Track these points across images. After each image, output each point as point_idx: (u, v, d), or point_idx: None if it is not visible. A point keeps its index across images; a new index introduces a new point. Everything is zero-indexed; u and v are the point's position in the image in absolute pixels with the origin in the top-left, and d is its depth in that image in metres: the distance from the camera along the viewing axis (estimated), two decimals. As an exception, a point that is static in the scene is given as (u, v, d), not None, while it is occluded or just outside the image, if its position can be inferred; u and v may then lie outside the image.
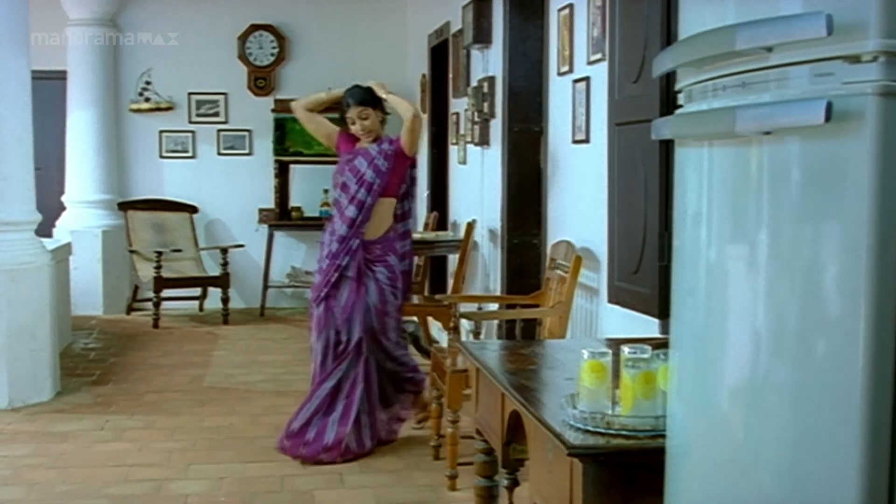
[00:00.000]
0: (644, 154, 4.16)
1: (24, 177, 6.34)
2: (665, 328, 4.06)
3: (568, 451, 2.17)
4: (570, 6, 5.19)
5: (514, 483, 3.06)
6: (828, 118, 1.39)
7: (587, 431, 2.26)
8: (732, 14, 1.76)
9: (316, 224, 9.80)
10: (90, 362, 7.45)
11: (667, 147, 4.04)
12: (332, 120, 5.55)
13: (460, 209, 8.00)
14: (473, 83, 7.23)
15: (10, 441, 5.43)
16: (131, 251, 9.42)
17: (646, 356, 2.30)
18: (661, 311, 4.07)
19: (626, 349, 2.33)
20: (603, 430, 2.25)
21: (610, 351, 2.37)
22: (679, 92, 1.94)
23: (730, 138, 1.67)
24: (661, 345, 2.52)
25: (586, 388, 2.33)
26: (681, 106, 1.95)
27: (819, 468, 1.56)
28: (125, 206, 9.66)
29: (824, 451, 1.54)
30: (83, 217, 9.51)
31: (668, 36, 4.01)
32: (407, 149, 5.30)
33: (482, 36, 6.90)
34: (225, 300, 9.23)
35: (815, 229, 1.56)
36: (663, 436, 2.21)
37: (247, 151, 10.16)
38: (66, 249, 7.88)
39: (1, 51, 6.15)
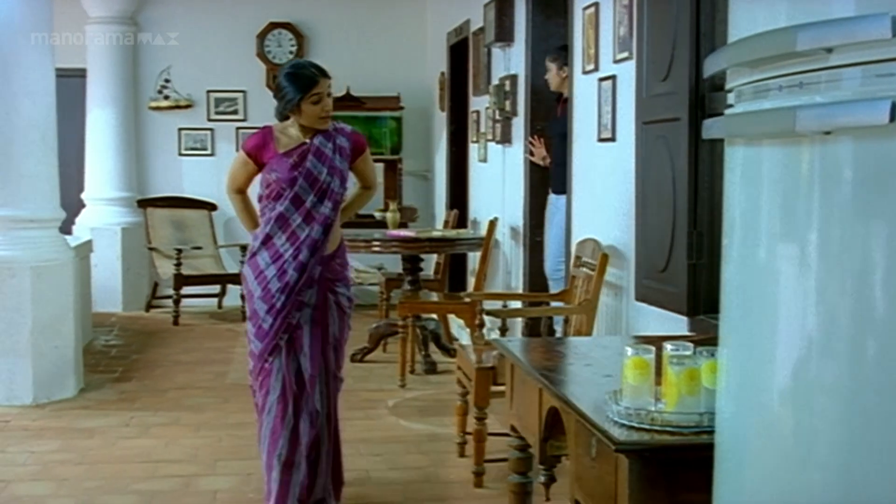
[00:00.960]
0: (673, 152, 4.17)
1: (49, 174, 6.38)
2: (694, 326, 4.07)
3: (615, 447, 2.19)
4: (596, 5, 5.20)
5: (550, 479, 3.07)
6: (892, 118, 1.41)
7: (631, 427, 2.27)
8: (784, 16, 1.78)
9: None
10: (112, 359, 7.49)
11: (696, 146, 4.05)
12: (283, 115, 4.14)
13: (480, 207, 8.01)
14: (495, 81, 7.25)
15: (37, 437, 5.47)
16: (151, 248, 9.46)
17: (689, 353, 2.31)
18: (690, 308, 4.09)
19: (668, 346, 2.34)
20: (647, 427, 2.26)
21: (653, 348, 2.38)
22: (728, 91, 1.94)
23: (784, 138, 1.69)
24: (699, 341, 2.53)
25: (630, 385, 2.35)
26: (730, 105, 1.96)
27: (870, 468, 1.57)
28: (144, 204, 9.71)
29: (875, 452, 1.56)
30: (103, 214, 9.55)
31: (698, 35, 4.03)
32: (362, 175, 4.41)
33: (504, 34, 6.92)
34: (243, 297, 9.22)
35: (867, 229, 1.57)
36: (707, 432, 2.23)
37: (265, 149, 10.16)
38: (87, 247, 7.91)
39: (26, 50, 6.19)
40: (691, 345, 2.36)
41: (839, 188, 1.63)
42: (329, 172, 4.03)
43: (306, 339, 4.09)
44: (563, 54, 5.94)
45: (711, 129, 1.98)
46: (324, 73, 4.03)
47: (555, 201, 6.12)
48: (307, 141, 4.05)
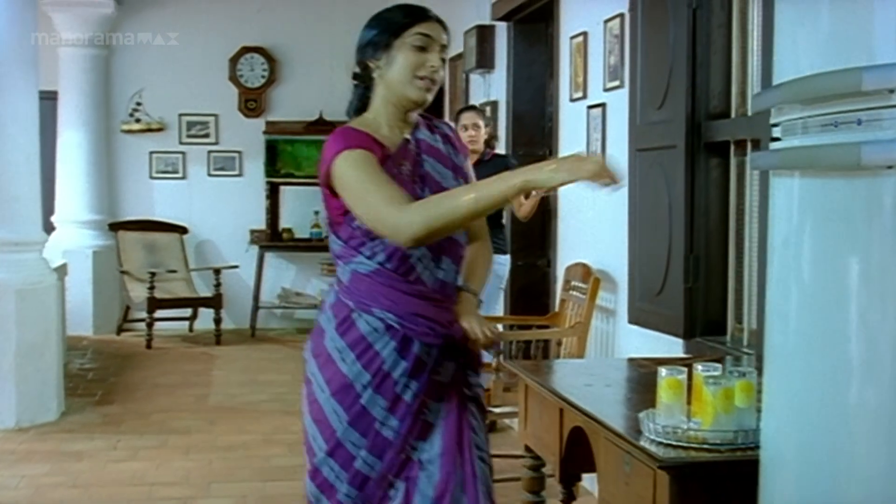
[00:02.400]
0: (669, 178, 4.28)
1: (32, 197, 6.38)
2: (690, 348, 4.18)
3: (658, 464, 2.28)
4: (584, 34, 5.32)
5: (570, 497, 3.16)
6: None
7: (668, 445, 2.36)
8: (821, 59, 1.88)
9: (306, 245, 9.91)
10: (90, 382, 7.46)
11: (693, 172, 4.17)
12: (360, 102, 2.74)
13: (458, 231, 8.09)
14: (474, 107, 7.34)
15: (26, 460, 5.45)
16: (122, 272, 9.44)
17: (721, 373, 2.40)
18: (687, 331, 4.19)
19: (699, 367, 2.43)
20: (684, 444, 2.35)
21: (685, 368, 2.47)
22: (774, 125, 2.04)
23: (846, 170, 1.77)
24: (713, 360, 2.63)
25: (665, 404, 2.44)
26: (776, 139, 2.05)
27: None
28: (116, 227, 9.69)
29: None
30: (74, 237, 9.51)
31: (694, 64, 4.15)
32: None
33: (485, 61, 7.03)
34: (217, 321, 9.26)
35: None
36: (742, 449, 2.33)
37: (237, 173, 10.21)
38: (63, 270, 7.88)
39: (11, 72, 6.20)
40: (719, 365, 2.45)
41: (881, 219, 1.74)
42: (455, 177, 2.64)
43: (434, 451, 2.55)
44: (485, 113, 6.22)
45: (760, 161, 2.07)
46: (439, 21, 2.60)
47: None
48: (408, 137, 2.62)
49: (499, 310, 6.25)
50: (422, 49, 2.52)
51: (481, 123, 5.95)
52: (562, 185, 2.29)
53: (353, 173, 2.45)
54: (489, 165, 5.69)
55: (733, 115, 4.09)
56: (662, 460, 2.29)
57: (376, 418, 2.49)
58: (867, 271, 1.80)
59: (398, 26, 2.54)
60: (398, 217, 2.36)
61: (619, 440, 2.52)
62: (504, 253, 5.87)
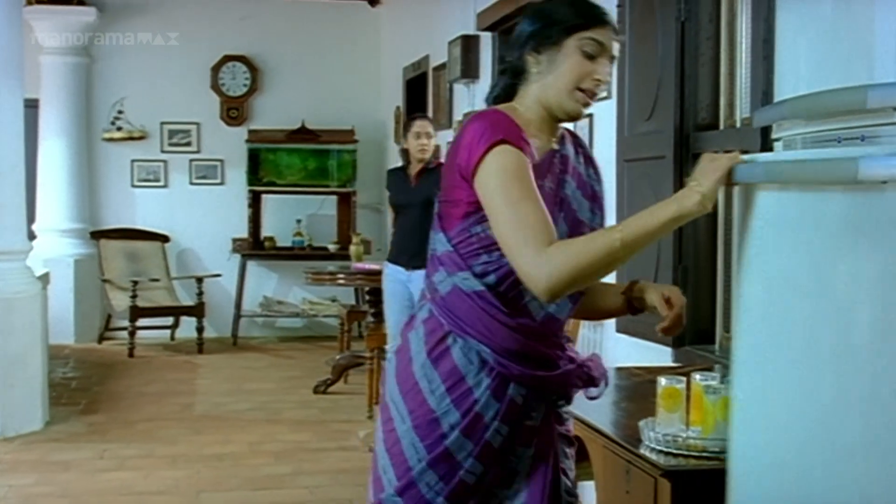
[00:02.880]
0: (657, 189, 4.33)
1: (17, 206, 6.37)
2: (679, 357, 4.23)
3: (661, 471, 2.31)
4: (571, 45, 5.36)
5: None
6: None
7: (669, 453, 2.40)
8: (823, 67, 1.93)
9: (288, 254, 9.92)
10: (73, 391, 7.44)
11: (681, 183, 4.21)
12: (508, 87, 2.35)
13: (441, 240, 8.12)
14: (458, 117, 7.39)
15: (13, 470, 5.44)
16: (104, 280, 9.41)
17: (718, 383, 2.44)
18: (675, 340, 4.24)
19: (697, 376, 2.47)
20: (685, 453, 2.39)
21: (684, 378, 2.51)
22: (776, 140, 2.08)
23: (839, 185, 1.80)
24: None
25: (664, 413, 2.48)
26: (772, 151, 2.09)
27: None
28: (97, 235, 9.66)
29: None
30: (55, 246, 9.47)
31: (682, 76, 4.20)
32: None
33: (470, 71, 7.07)
34: (200, 329, 9.25)
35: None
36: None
37: (219, 181, 10.21)
38: (45, 279, 7.85)
39: (-3, 81, 6.19)
40: (718, 374, 2.49)
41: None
42: (591, 208, 2.32)
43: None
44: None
45: (748, 172, 2.05)
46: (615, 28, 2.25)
47: (392, 272, 6.06)
48: (556, 147, 2.29)
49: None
50: (590, 57, 2.18)
51: (432, 132, 6.04)
52: (714, 200, 1.99)
53: (505, 180, 2.09)
54: (434, 173, 5.79)
55: (722, 126, 4.14)
56: (664, 468, 2.33)
57: (460, 463, 2.19)
58: (837, 284, 1.77)
59: (571, 26, 2.19)
60: (537, 263, 2.02)
61: (619, 448, 2.56)
62: None
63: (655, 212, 2.02)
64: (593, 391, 2.34)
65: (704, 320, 4.21)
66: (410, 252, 5.81)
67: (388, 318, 6.08)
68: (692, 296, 4.20)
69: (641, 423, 2.52)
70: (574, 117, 2.27)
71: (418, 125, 6.02)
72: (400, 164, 6.30)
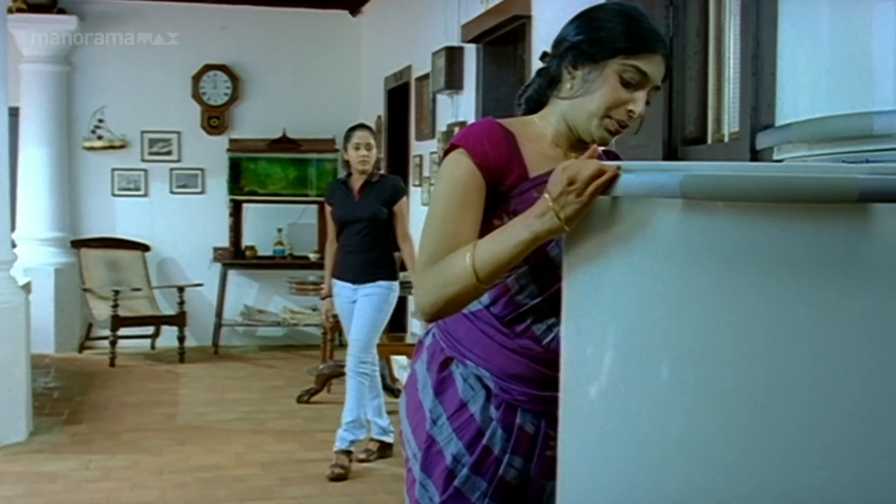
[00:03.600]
0: (645, 202, 4.38)
1: (2, 216, 6.35)
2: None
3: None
4: (557, 58, 5.41)
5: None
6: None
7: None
8: (823, 104, 1.98)
9: (269, 263, 9.92)
10: (56, 401, 7.41)
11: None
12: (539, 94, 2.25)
13: (424, 249, 8.15)
14: (442, 127, 7.43)
15: (-1, 482, 5.42)
16: (85, 289, 9.38)
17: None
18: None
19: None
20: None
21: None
22: (779, 161, 2.13)
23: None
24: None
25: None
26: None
27: None
28: (78, 244, 9.63)
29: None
30: (35, 254, 9.42)
31: (671, 91, 4.26)
32: None
33: (454, 82, 7.11)
34: (181, 339, 9.24)
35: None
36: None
37: (199, 190, 10.19)
38: (27, 288, 7.82)
39: (-19, 90, 6.18)
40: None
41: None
42: None
43: None
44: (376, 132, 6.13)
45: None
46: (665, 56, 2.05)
47: (339, 290, 5.83)
48: None
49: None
50: (628, 85, 2.01)
51: (374, 143, 5.89)
52: (577, 217, 1.71)
53: (441, 190, 2.02)
54: (377, 187, 5.79)
55: (709, 140, 4.19)
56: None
57: None
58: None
59: (618, 50, 2.00)
60: (417, 284, 2.00)
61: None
62: (395, 279, 5.81)
63: (508, 236, 1.83)
64: None
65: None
66: (357, 268, 5.71)
67: (347, 336, 5.91)
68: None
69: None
70: (599, 142, 2.09)
71: (358, 136, 5.86)
72: (341, 176, 6.21)
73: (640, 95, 2.03)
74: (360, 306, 5.69)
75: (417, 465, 2.10)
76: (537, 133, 2.11)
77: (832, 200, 1.41)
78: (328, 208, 5.99)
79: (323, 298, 6.17)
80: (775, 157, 2.15)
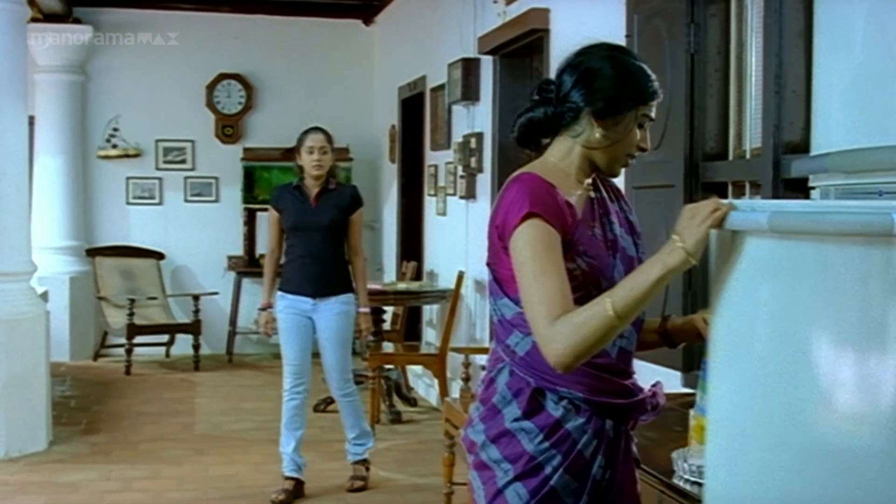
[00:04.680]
0: (667, 216, 4.40)
1: (22, 226, 6.42)
2: (688, 381, 4.30)
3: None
4: (576, 72, 5.44)
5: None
6: None
7: (703, 485, 2.47)
8: (848, 135, 2.01)
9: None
10: (73, 410, 7.47)
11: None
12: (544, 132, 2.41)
13: (439, 260, 8.20)
14: (457, 138, 7.47)
15: (21, 492, 5.46)
16: (100, 298, 9.44)
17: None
18: (685, 364, 4.32)
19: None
20: (718, 485, 2.46)
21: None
22: (812, 188, 2.16)
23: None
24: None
25: (697, 445, 2.55)
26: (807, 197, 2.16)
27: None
28: (93, 253, 9.69)
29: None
30: (51, 263, 9.44)
31: (692, 107, 4.29)
32: None
33: (470, 93, 7.15)
34: (196, 347, 9.29)
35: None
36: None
37: (213, 199, 10.25)
38: (45, 297, 7.88)
39: (2, 102, 6.21)
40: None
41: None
42: (635, 242, 2.40)
43: None
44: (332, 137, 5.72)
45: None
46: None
47: (291, 303, 5.47)
48: (593, 195, 2.36)
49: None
50: (640, 127, 2.32)
51: (329, 148, 5.55)
52: (699, 247, 1.99)
53: (533, 253, 2.17)
54: (335, 195, 5.48)
55: (730, 156, 4.23)
56: (703, 501, 2.39)
57: (566, 502, 2.26)
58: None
59: (642, 102, 2.29)
60: (547, 337, 2.11)
61: (651, 479, 2.62)
62: (352, 291, 5.54)
63: (641, 274, 2.05)
64: (646, 416, 2.43)
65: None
66: (317, 280, 5.38)
67: (288, 355, 5.55)
68: (701, 322, 4.28)
69: (674, 455, 2.59)
70: (615, 176, 2.40)
71: (312, 139, 5.54)
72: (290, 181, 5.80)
73: (647, 134, 2.35)
74: (328, 332, 5.44)
75: (508, 477, 2.27)
76: (563, 175, 2.30)
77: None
78: (273, 214, 5.57)
79: (262, 310, 5.66)
80: (810, 184, 2.18)
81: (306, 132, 5.66)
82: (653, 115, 2.33)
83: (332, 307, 5.41)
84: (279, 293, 5.48)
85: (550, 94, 2.31)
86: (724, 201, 1.95)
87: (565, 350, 2.08)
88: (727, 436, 2.01)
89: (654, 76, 2.32)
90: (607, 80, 2.26)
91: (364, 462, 5.67)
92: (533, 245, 2.17)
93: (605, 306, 2.05)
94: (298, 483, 5.46)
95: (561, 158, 2.32)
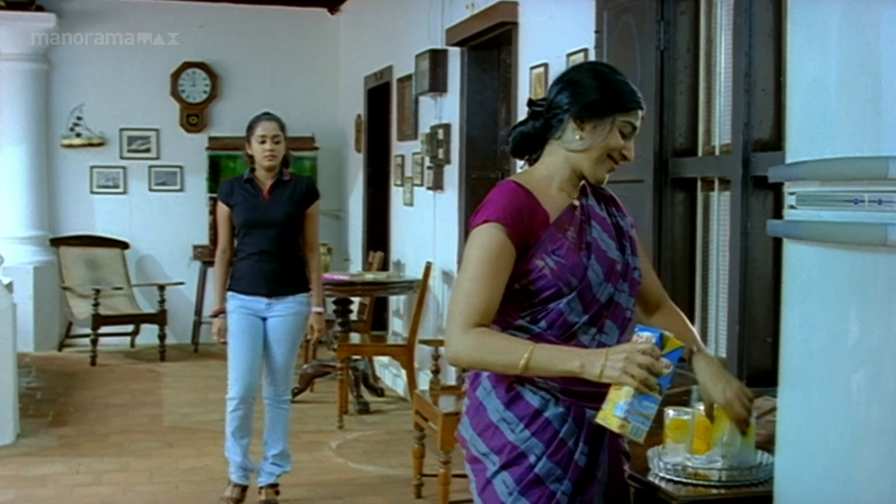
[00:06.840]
0: (636, 211, 4.44)
1: (-13, 219, 6.36)
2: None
3: (675, 502, 2.44)
4: (545, 65, 5.49)
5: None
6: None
7: (678, 482, 2.52)
8: (829, 147, 2.06)
9: (249, 260, 9.93)
10: (39, 402, 7.43)
11: (660, 206, 4.36)
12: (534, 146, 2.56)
13: (406, 250, 8.22)
14: (425, 129, 7.49)
15: (-11, 486, 5.44)
16: (64, 288, 9.38)
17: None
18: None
19: (700, 407, 2.60)
20: (694, 482, 2.52)
21: (691, 410, 2.64)
22: (790, 194, 2.20)
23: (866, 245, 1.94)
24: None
25: (672, 444, 2.60)
26: (791, 207, 2.21)
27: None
28: (57, 242, 9.63)
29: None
30: (14, 253, 9.38)
31: (662, 103, 4.34)
32: None
33: (438, 84, 7.17)
34: (162, 337, 9.26)
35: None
36: (748, 485, 2.51)
37: (178, 188, 10.21)
38: (10, 288, 7.82)
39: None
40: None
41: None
42: (621, 246, 2.51)
43: None
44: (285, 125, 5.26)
45: (781, 229, 2.21)
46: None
47: (243, 303, 5.11)
48: (576, 203, 2.49)
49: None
50: (623, 136, 2.46)
51: (282, 136, 5.12)
52: (610, 381, 2.19)
53: (477, 256, 2.35)
54: (290, 187, 5.12)
55: (700, 152, 4.28)
56: (677, 497, 2.45)
57: (550, 486, 2.37)
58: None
59: (622, 110, 2.45)
60: (456, 337, 2.32)
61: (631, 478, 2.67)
62: (308, 291, 5.21)
63: (566, 358, 2.25)
64: None
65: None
66: (272, 278, 5.04)
67: (237, 359, 5.17)
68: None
69: (650, 453, 2.64)
70: (599, 182, 2.52)
71: (263, 127, 5.08)
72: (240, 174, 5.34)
73: (631, 144, 2.49)
74: (279, 333, 5.10)
75: (495, 466, 2.41)
76: (546, 183, 2.47)
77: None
78: (223, 210, 5.13)
79: (214, 316, 5.24)
80: (788, 189, 2.22)
81: (257, 119, 5.18)
82: (636, 124, 2.49)
83: (288, 307, 5.09)
84: (230, 293, 5.11)
85: (540, 108, 2.51)
86: (667, 360, 2.23)
87: (465, 359, 2.35)
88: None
89: (637, 90, 2.51)
90: (589, 87, 2.45)
91: (275, 486, 5.22)
92: (481, 250, 2.36)
93: (520, 357, 2.26)
94: (244, 488, 5.22)
95: (547, 166, 2.49)
